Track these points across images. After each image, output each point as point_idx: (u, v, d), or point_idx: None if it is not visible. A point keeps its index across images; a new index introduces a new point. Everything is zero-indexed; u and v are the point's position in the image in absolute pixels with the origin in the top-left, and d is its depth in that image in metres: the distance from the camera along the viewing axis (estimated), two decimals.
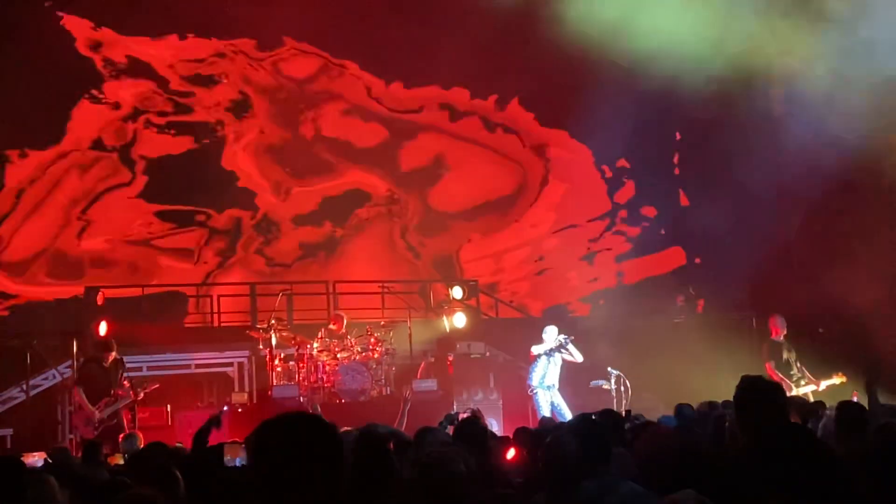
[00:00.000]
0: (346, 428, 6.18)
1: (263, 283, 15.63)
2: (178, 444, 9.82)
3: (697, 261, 18.28)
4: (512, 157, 18.61)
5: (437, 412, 11.36)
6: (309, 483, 2.37)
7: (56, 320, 14.04)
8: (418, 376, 13.31)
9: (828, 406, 7.09)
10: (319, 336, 12.73)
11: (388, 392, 12.77)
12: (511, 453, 6.36)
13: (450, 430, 6.77)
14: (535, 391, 12.05)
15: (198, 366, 13.93)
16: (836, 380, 11.36)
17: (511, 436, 7.20)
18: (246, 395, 13.11)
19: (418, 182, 18.07)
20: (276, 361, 12.60)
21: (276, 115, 17.53)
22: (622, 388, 12.06)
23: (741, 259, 14.97)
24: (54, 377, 12.96)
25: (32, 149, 15.93)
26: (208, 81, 17.12)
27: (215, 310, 14.85)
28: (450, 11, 16.31)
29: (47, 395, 12.93)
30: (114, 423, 10.83)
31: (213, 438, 6.47)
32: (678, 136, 18.70)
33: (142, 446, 7.85)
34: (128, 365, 11.51)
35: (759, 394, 4.04)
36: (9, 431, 12.26)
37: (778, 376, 11.10)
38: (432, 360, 13.78)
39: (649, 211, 18.53)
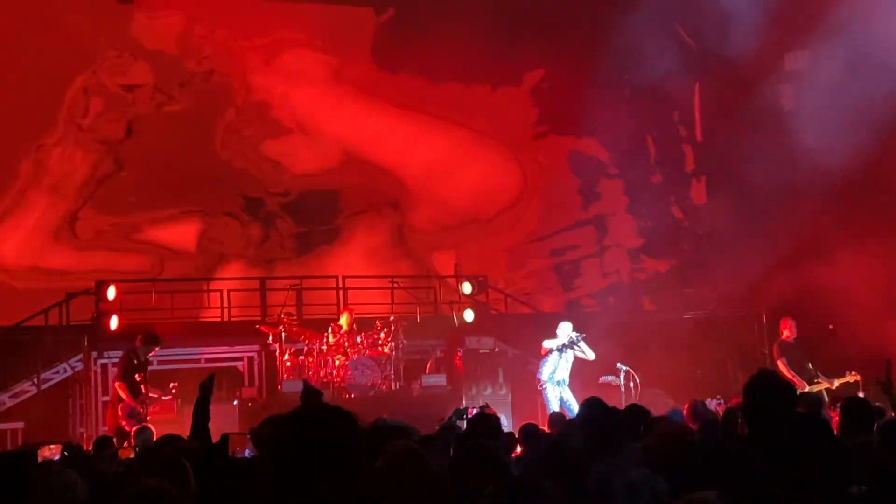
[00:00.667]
0: None
1: (273, 277, 15.67)
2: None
3: (708, 257, 18.24)
4: (520, 152, 18.58)
5: (447, 407, 11.41)
6: (331, 474, 2.37)
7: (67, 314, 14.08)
8: (427, 371, 13.34)
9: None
10: (329, 331, 12.76)
11: (398, 387, 12.80)
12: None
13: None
14: (544, 386, 12.04)
15: (207, 360, 13.98)
16: (850, 378, 11.31)
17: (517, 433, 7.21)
18: (255, 390, 13.17)
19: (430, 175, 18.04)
20: (286, 356, 12.64)
21: None
22: (631, 384, 12.05)
23: (751, 256, 14.91)
24: (65, 371, 13.03)
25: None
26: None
27: (225, 304, 14.90)
28: None
29: (59, 388, 13.00)
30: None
31: (221, 430, 6.41)
32: (688, 133, 18.66)
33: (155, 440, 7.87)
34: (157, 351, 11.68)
35: (770, 384, 4.03)
36: (20, 425, 12.33)
37: (791, 374, 11.09)
38: (441, 355, 13.80)
39: (660, 207, 18.44)
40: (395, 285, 15.05)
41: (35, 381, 12.61)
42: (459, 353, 13.29)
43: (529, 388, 12.73)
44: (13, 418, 12.46)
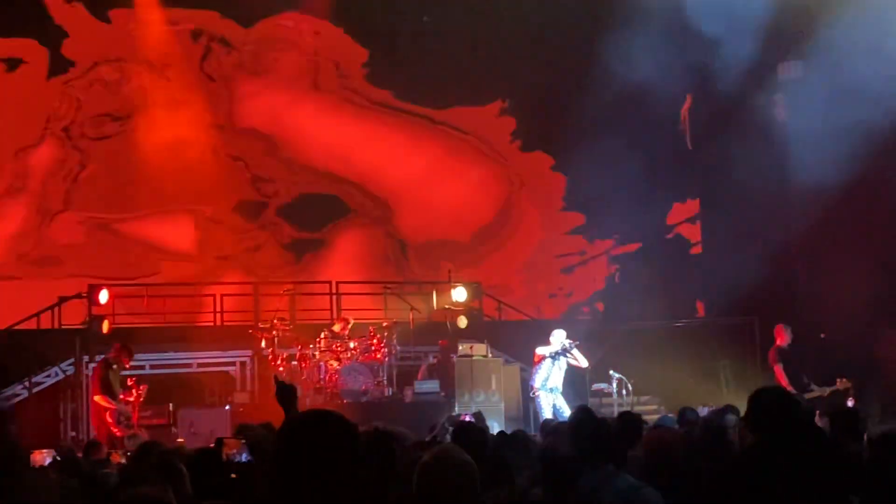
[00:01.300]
0: None
1: (266, 282, 15.66)
2: (179, 441, 9.90)
3: (701, 264, 18.29)
4: (510, 159, 18.63)
5: (439, 414, 11.43)
6: (331, 480, 2.39)
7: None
8: (420, 377, 13.34)
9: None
10: (322, 336, 12.77)
11: (390, 393, 12.80)
12: None
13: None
14: (537, 393, 12.06)
15: (200, 365, 13.97)
16: (840, 385, 11.37)
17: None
18: (248, 395, 13.16)
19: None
20: (279, 361, 12.64)
21: None
22: (623, 392, 12.08)
23: (743, 264, 14.96)
24: (57, 374, 13.01)
25: None
26: None
27: (218, 309, 14.88)
28: None
29: (50, 392, 12.97)
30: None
31: (213, 435, 6.41)
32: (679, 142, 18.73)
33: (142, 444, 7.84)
34: (130, 363, 11.60)
35: (775, 395, 4.06)
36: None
37: (786, 380, 11.15)
38: (434, 361, 13.81)
39: (652, 216, 18.46)
40: (388, 291, 15.07)
41: (27, 384, 12.58)
42: (452, 360, 13.31)
43: (522, 395, 12.76)
44: None
